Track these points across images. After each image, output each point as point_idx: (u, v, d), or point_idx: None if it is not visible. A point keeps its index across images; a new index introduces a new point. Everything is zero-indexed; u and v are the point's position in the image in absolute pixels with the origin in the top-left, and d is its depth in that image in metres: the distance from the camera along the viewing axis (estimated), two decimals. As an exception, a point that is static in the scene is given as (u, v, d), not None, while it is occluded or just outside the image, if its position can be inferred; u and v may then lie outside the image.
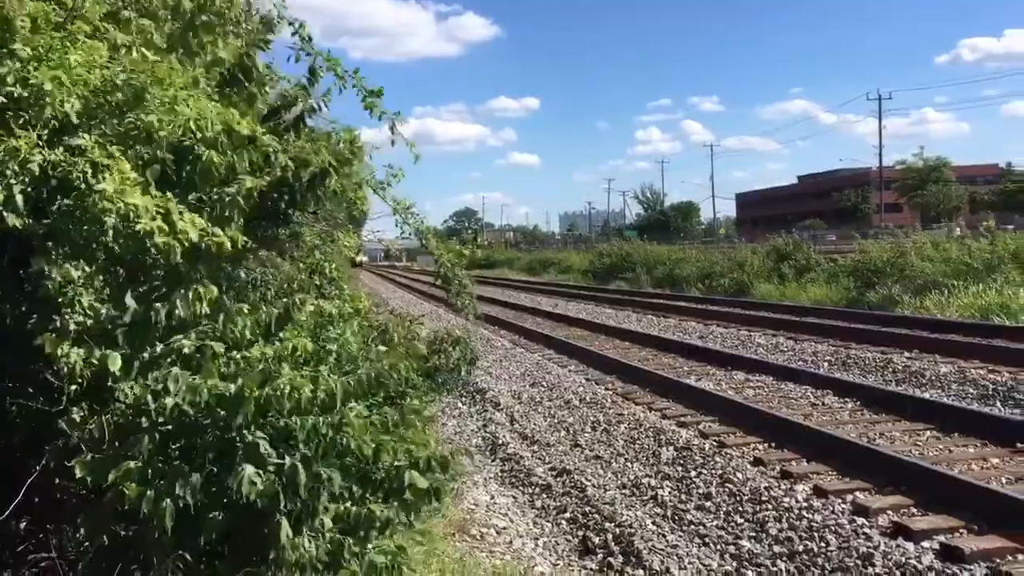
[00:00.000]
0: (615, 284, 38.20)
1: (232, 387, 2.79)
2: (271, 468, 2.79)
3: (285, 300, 3.30)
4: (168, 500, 2.65)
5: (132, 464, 2.70)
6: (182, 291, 2.88)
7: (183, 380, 2.76)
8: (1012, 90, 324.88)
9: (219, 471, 2.80)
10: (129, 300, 2.88)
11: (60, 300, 2.78)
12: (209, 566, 2.96)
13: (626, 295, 30.12)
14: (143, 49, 3.14)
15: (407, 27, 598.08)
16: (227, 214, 3.04)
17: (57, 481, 3.17)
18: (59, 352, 2.71)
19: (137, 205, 2.72)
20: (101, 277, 2.91)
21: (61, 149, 2.74)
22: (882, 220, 67.88)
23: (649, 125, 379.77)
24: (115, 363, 2.81)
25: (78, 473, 2.68)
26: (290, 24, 3.84)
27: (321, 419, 2.89)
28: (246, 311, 3.09)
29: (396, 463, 3.04)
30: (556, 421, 9.70)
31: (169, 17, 3.50)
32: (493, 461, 8.50)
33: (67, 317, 2.79)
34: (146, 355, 2.89)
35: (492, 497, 7.22)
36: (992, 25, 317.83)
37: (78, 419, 2.78)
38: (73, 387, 2.78)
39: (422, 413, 3.50)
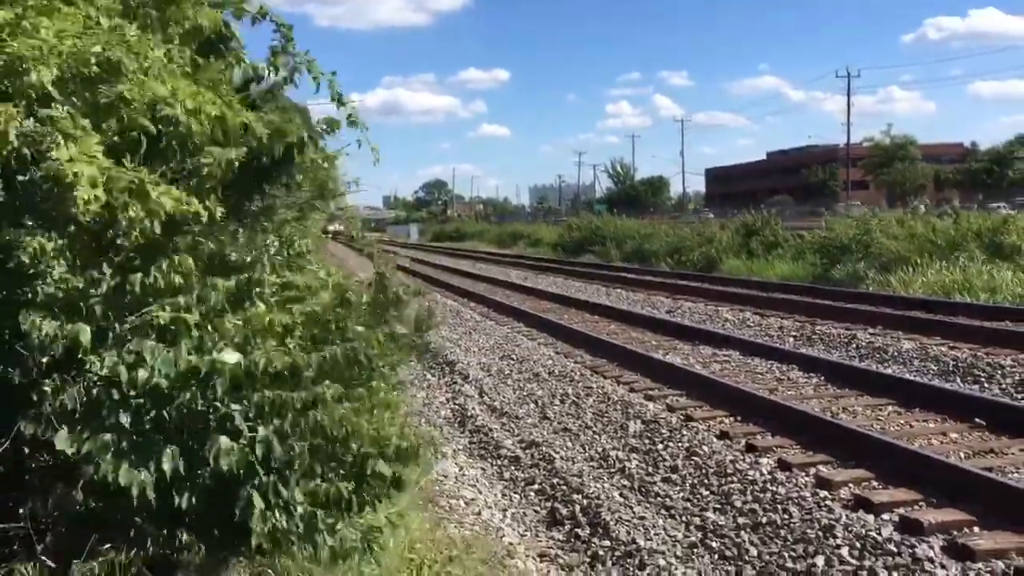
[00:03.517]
0: (585, 258, 38.31)
1: (207, 359, 2.78)
2: (244, 441, 2.79)
3: (251, 272, 3.28)
4: (146, 472, 2.65)
5: (108, 436, 2.70)
6: (159, 262, 2.86)
7: (158, 353, 2.75)
8: (977, 70, 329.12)
9: (193, 443, 2.81)
10: (105, 269, 2.87)
11: (32, 272, 2.75)
12: (181, 538, 2.97)
13: (595, 269, 30.22)
14: (120, 20, 3.07)
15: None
16: (206, 186, 3.01)
17: (27, 451, 3.15)
18: (32, 324, 2.68)
19: (95, 176, 2.63)
20: (72, 250, 2.88)
21: (32, 120, 2.69)
22: (848, 197, 68.40)
23: (619, 99, 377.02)
24: (85, 335, 2.79)
25: (58, 446, 2.67)
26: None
27: (295, 394, 2.89)
28: (219, 283, 3.08)
29: (364, 450, 3.05)
30: (525, 394, 9.77)
31: None
32: (462, 433, 8.56)
33: (39, 289, 2.76)
34: (119, 327, 2.88)
35: (461, 469, 7.27)
36: (957, 5, 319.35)
37: (50, 391, 2.76)
38: (45, 359, 2.76)
39: (392, 387, 3.51)
